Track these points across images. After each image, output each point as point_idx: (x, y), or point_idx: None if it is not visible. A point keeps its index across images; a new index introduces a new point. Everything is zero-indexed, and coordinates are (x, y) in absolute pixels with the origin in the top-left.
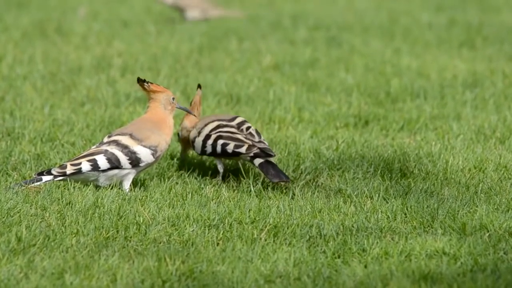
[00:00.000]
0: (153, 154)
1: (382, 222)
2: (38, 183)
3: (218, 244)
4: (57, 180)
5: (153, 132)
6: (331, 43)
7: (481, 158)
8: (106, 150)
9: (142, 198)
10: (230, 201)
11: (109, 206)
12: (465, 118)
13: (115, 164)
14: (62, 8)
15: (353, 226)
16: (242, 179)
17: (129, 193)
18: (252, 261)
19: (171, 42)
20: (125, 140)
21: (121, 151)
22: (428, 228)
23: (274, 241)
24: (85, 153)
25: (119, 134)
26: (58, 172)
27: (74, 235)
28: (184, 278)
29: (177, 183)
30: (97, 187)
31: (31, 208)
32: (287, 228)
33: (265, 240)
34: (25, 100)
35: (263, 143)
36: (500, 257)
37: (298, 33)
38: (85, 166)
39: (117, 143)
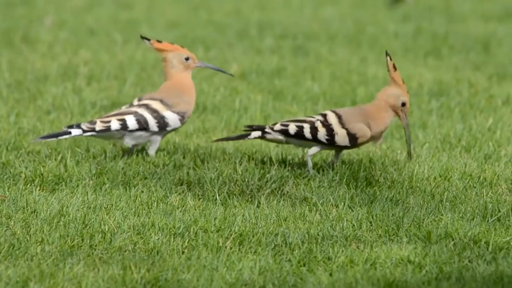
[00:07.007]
0: (180, 120)
1: (348, 230)
2: (67, 136)
3: (183, 252)
4: (85, 135)
5: (182, 99)
6: (298, 51)
7: (446, 166)
8: (136, 112)
9: (107, 207)
10: (195, 210)
11: (74, 215)
12: (431, 126)
13: (143, 126)
14: (29, 17)
15: (318, 235)
16: (207, 187)
17: (154, 158)
18: (218, 270)
19: (138, 50)
20: (155, 104)
21: (151, 115)
22: (393, 236)
23: (239, 249)
24: (115, 112)
25: (150, 99)
26: (88, 127)
27: (39, 244)
28: (150, 286)
29: (142, 191)
30: (61, 196)
31: None
32: (253, 237)
33: (231, 248)
34: None
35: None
36: (465, 265)
37: (264, 41)
38: (115, 124)
39: (147, 106)
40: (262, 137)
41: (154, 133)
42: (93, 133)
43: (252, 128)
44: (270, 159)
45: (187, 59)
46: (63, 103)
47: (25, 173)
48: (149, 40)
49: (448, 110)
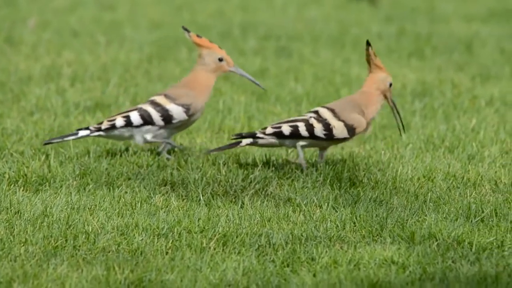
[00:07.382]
0: (185, 112)
1: (331, 231)
2: (73, 137)
3: (167, 253)
4: (92, 136)
5: (188, 93)
6: (281, 53)
7: (430, 167)
8: (141, 107)
9: (91, 207)
10: (179, 210)
11: (58, 215)
12: (414, 127)
13: (147, 120)
14: (12, 18)
15: (302, 235)
16: (191, 187)
17: (142, 146)
18: (201, 270)
19: (121, 51)
20: (159, 99)
21: (154, 109)
22: (377, 237)
23: (223, 250)
24: (122, 111)
25: (156, 95)
26: (95, 127)
27: (22, 244)
28: (133, 287)
29: (126, 192)
30: (45, 197)
31: None
32: (236, 237)
33: (214, 249)
34: None
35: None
36: (448, 265)
37: (247, 42)
38: (119, 121)
39: (151, 101)
40: (253, 143)
41: (162, 127)
42: (101, 132)
43: (242, 136)
44: (254, 160)
45: (220, 60)
46: (46, 104)
47: (8, 173)
48: (189, 32)
49: (431, 110)
